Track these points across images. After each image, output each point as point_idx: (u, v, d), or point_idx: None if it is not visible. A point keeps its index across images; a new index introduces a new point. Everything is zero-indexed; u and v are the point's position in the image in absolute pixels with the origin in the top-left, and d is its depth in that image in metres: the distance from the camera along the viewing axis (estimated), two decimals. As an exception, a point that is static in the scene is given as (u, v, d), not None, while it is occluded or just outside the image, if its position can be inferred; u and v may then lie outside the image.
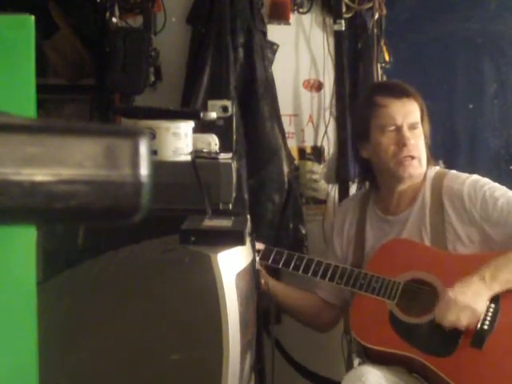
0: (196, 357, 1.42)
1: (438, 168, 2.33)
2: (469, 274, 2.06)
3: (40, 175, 0.51)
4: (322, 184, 3.01)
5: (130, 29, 2.78)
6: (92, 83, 2.89)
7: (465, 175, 2.25)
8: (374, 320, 2.18)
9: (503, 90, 3.38)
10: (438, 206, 2.21)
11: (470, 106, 3.38)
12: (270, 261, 2.29)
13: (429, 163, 2.31)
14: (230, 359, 1.39)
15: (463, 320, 2.02)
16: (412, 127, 2.24)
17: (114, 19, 2.72)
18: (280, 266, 2.30)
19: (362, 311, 2.21)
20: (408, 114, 2.24)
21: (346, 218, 2.43)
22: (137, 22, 2.83)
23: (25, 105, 1.08)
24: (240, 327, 1.43)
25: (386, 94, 2.27)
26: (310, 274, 2.27)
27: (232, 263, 1.44)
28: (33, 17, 1.09)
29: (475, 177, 2.23)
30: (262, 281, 2.20)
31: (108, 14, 2.72)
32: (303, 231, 2.87)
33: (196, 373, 1.44)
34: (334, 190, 2.99)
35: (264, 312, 2.03)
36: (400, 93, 2.27)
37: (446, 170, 2.31)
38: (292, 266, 2.28)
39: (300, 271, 2.28)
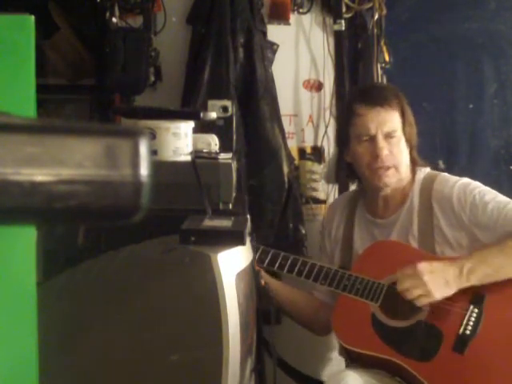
0: (196, 357, 1.42)
1: (428, 170, 2.29)
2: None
3: (40, 175, 0.51)
4: (322, 184, 3.01)
5: (130, 29, 2.78)
6: (92, 83, 2.89)
7: (455, 178, 2.22)
8: (356, 322, 2.16)
9: (503, 90, 3.38)
10: (427, 210, 2.20)
11: (470, 106, 3.38)
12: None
13: (415, 166, 2.27)
14: (230, 360, 1.39)
15: (413, 293, 2.01)
16: (388, 136, 2.20)
17: (114, 19, 2.72)
18: (265, 264, 2.28)
19: (345, 313, 2.19)
20: (382, 123, 2.20)
21: (334, 217, 2.42)
22: (137, 22, 2.83)
23: (25, 105, 1.08)
24: (240, 328, 1.43)
25: (362, 103, 2.24)
26: (294, 274, 2.26)
27: (232, 263, 1.43)
28: (33, 17, 1.09)
29: (465, 180, 2.21)
30: (263, 281, 2.19)
31: (108, 14, 2.72)
32: (303, 231, 2.87)
33: (196, 373, 1.44)
34: (333, 190, 2.99)
35: (264, 312, 2.03)
36: (375, 101, 2.22)
37: (437, 173, 2.28)
38: (277, 265, 2.27)
39: (285, 270, 2.27)
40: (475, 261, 2.04)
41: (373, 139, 2.20)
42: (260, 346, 1.97)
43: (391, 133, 2.20)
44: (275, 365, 2.06)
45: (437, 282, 2.01)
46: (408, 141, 2.24)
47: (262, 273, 2.34)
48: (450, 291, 2.03)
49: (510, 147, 3.39)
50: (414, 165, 2.27)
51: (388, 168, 2.20)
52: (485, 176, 3.10)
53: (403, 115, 2.23)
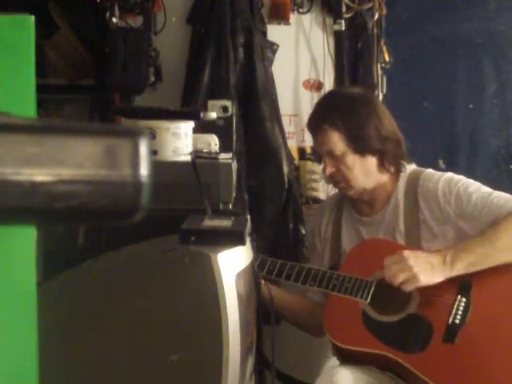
0: (196, 357, 1.42)
1: (413, 167, 2.31)
2: None
3: (40, 175, 0.51)
4: (322, 184, 3.00)
5: (129, 29, 2.78)
6: (92, 83, 2.89)
7: (439, 173, 2.25)
8: (347, 320, 2.18)
9: (503, 90, 3.39)
10: (413, 206, 2.22)
11: (470, 106, 3.38)
12: None
13: (398, 166, 2.26)
14: (230, 359, 1.39)
15: (399, 278, 2.04)
16: (330, 154, 2.23)
17: (114, 19, 2.72)
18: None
19: (336, 312, 2.21)
20: (322, 144, 2.24)
21: (323, 217, 2.44)
22: (137, 22, 2.83)
23: (25, 105, 1.08)
24: (240, 327, 1.43)
25: (307, 126, 2.35)
26: (283, 278, 2.27)
27: (232, 263, 1.44)
28: (33, 17, 1.09)
29: (449, 174, 2.24)
30: (263, 281, 2.20)
31: (108, 14, 2.72)
32: (303, 231, 2.87)
33: (196, 373, 1.44)
34: (333, 190, 2.99)
35: (264, 312, 2.03)
36: (311, 128, 2.30)
37: (421, 169, 2.29)
38: (265, 269, 2.28)
39: (273, 275, 2.28)
40: (458, 249, 2.07)
41: (322, 157, 2.28)
42: (260, 344, 1.97)
43: (331, 152, 2.23)
44: (273, 370, 2.06)
45: (422, 266, 2.03)
46: (363, 151, 2.21)
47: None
48: (435, 278, 2.05)
49: (510, 147, 3.39)
50: (396, 166, 2.27)
51: (338, 182, 2.26)
52: (485, 176, 3.10)
53: (346, 131, 2.20)
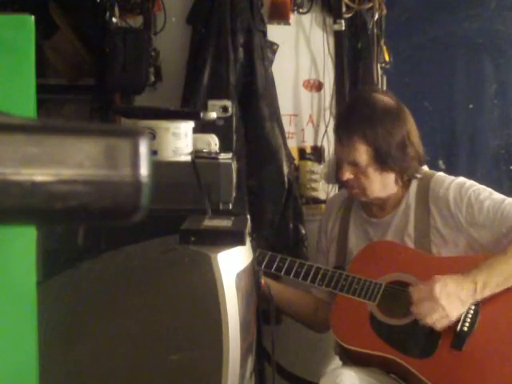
0: (196, 357, 1.42)
1: (425, 169, 2.30)
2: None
3: (40, 175, 0.51)
4: (322, 184, 3.00)
5: (130, 29, 2.78)
6: (92, 83, 2.89)
7: (450, 178, 2.23)
8: (354, 321, 2.18)
9: (503, 90, 3.39)
10: (424, 211, 2.21)
11: (470, 106, 3.38)
12: None
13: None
14: (230, 359, 1.39)
15: (432, 318, 2.02)
16: (351, 164, 2.21)
17: (114, 19, 2.72)
18: (263, 267, 2.28)
19: (343, 312, 2.21)
20: (346, 153, 2.21)
21: (330, 215, 2.43)
22: (137, 22, 2.83)
23: (25, 105, 1.08)
24: (240, 327, 1.43)
25: (336, 130, 2.32)
26: (291, 276, 2.27)
27: (232, 263, 1.44)
28: (33, 17, 1.09)
29: (460, 180, 2.22)
30: (263, 281, 2.20)
31: (108, 14, 2.72)
32: (303, 231, 2.87)
33: (196, 373, 1.44)
34: (333, 190, 2.99)
35: (264, 312, 2.03)
36: (340, 134, 2.25)
37: (433, 172, 2.28)
38: (274, 267, 2.28)
39: (282, 273, 2.28)
40: (487, 274, 2.05)
41: (341, 162, 2.26)
42: (259, 351, 1.97)
43: (353, 162, 2.21)
44: (274, 370, 2.06)
45: (454, 304, 2.02)
46: (386, 168, 2.20)
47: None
48: (465, 309, 2.05)
49: (510, 147, 3.39)
50: (407, 179, 2.27)
51: (352, 187, 2.25)
52: (485, 176, 3.10)
53: (375, 146, 2.18)
